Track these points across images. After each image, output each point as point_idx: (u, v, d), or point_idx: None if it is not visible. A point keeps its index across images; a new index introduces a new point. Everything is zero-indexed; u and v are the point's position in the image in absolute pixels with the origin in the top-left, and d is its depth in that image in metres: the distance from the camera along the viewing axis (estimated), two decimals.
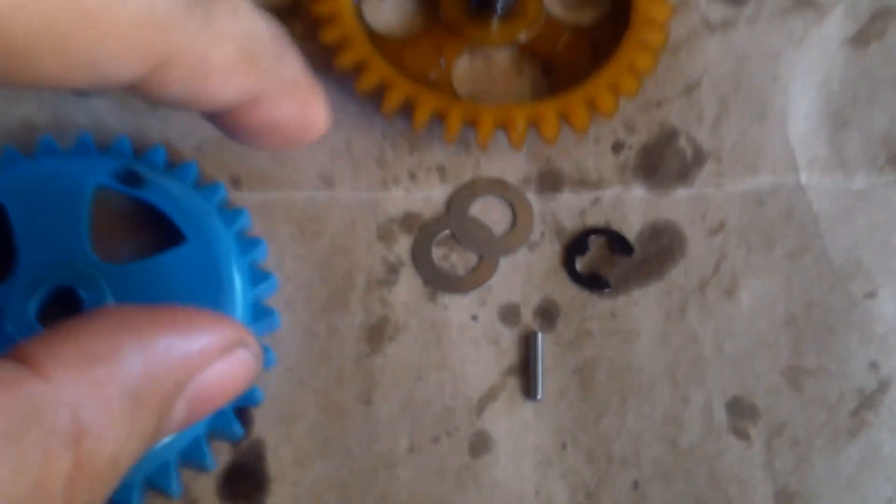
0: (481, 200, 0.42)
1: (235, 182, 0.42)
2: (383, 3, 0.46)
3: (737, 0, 0.46)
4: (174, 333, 0.27)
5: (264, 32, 0.31)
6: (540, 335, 0.40)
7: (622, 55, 0.43)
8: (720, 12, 0.46)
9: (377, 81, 0.42)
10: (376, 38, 0.44)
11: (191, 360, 0.27)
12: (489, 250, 0.41)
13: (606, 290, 0.41)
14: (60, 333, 0.25)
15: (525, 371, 0.40)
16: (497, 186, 0.42)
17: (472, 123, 0.41)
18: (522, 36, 0.45)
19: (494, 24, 0.45)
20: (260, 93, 0.31)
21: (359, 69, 0.42)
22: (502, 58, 0.45)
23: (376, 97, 0.42)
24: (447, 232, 0.42)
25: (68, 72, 0.27)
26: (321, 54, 0.42)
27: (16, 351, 0.25)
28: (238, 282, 0.38)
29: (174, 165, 0.41)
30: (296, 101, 0.33)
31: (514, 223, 0.42)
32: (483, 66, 0.45)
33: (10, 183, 0.39)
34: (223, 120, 0.32)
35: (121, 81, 0.28)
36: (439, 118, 0.41)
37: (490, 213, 0.42)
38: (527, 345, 0.40)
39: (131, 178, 0.39)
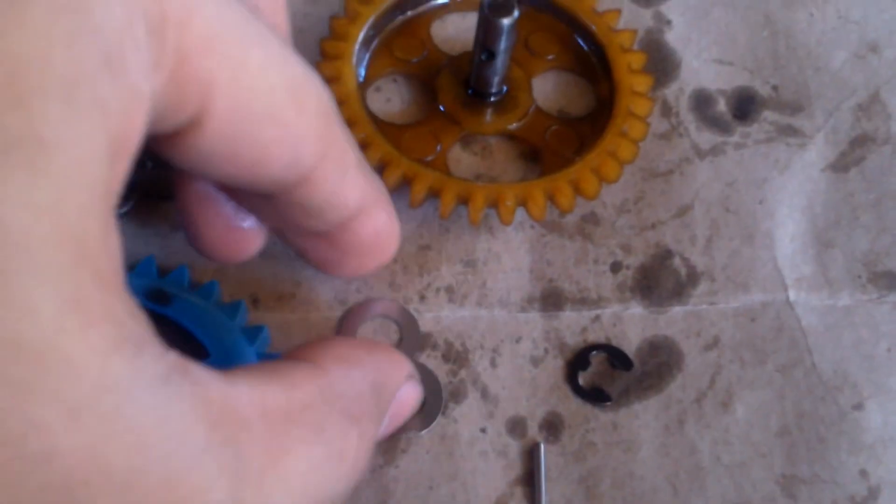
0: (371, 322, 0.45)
1: (255, 301, 0.44)
2: (384, 91, 0.49)
3: (725, 128, 0.49)
4: (389, 356, 0.35)
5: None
6: (543, 447, 0.42)
7: (605, 144, 0.46)
8: (709, 139, 0.49)
9: (377, 159, 0.45)
10: (377, 123, 0.47)
11: (399, 378, 0.35)
12: None
13: (608, 403, 0.43)
14: (321, 344, 0.32)
15: (531, 482, 0.42)
16: (388, 306, 0.45)
17: (464, 201, 0.44)
18: (513, 125, 0.49)
19: (488, 114, 0.49)
20: (370, 198, 0.35)
21: (361, 147, 0.45)
22: (494, 144, 0.48)
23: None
24: None
25: (273, 164, 0.30)
26: None
27: (301, 351, 0.32)
28: None
29: (197, 285, 0.43)
30: (387, 208, 0.36)
31: (400, 340, 0.44)
32: (476, 151, 0.49)
33: None
34: (334, 240, 0.36)
35: (301, 171, 0.31)
36: (434, 195, 0.44)
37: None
38: (531, 457, 0.42)
39: (159, 296, 0.42)
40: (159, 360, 0.24)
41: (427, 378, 0.43)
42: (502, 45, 0.45)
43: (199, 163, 0.29)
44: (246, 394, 0.27)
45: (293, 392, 0.29)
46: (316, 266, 0.38)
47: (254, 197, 0.34)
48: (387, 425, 0.35)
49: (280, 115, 0.29)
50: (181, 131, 0.27)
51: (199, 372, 0.26)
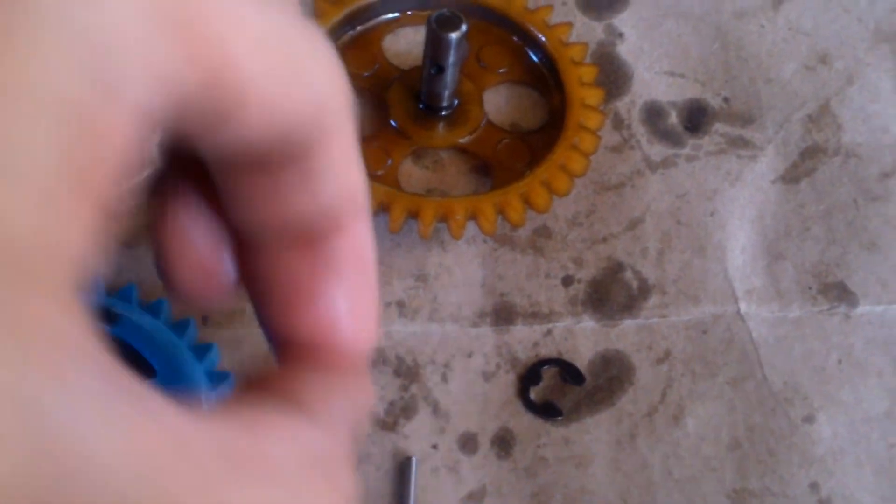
0: None
1: (204, 319, 0.43)
2: None
3: (676, 140, 0.50)
4: (364, 386, 0.29)
5: None
6: (415, 461, 0.42)
7: (556, 157, 0.46)
8: (661, 152, 0.49)
9: None
10: None
11: (367, 410, 0.30)
12: None
13: (559, 418, 0.43)
14: (298, 379, 0.27)
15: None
16: None
17: (414, 215, 0.44)
18: (464, 139, 0.49)
19: (439, 128, 0.49)
20: (362, 201, 0.32)
21: None
22: (446, 158, 0.49)
23: None
24: None
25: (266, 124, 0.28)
26: None
27: (283, 388, 0.26)
28: None
29: (146, 302, 0.43)
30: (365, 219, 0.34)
31: None
32: (428, 165, 0.49)
33: None
34: (316, 249, 0.32)
35: (320, 128, 0.29)
36: (384, 210, 0.44)
37: None
38: (401, 472, 0.42)
39: (105, 315, 0.41)
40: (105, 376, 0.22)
41: None
42: (451, 58, 0.45)
43: (236, 142, 0.27)
44: (209, 430, 0.24)
45: (265, 444, 0.24)
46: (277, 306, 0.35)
47: (252, 178, 0.32)
48: None
49: (304, 73, 0.27)
50: (219, 119, 0.26)
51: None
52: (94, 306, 0.41)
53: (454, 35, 0.44)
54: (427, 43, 0.45)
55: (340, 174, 0.31)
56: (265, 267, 0.31)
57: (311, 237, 0.31)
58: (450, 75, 0.46)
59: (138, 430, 0.22)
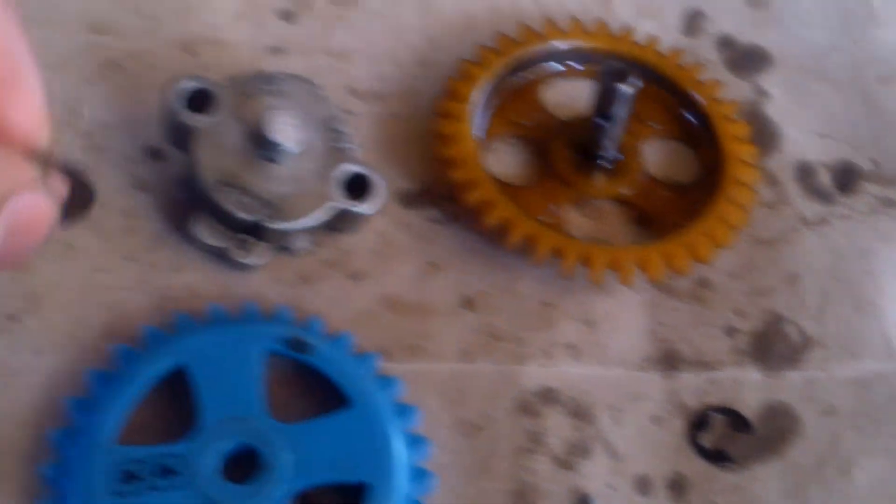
0: None
1: (386, 353, 0.45)
2: (498, 152, 0.51)
3: (828, 199, 0.51)
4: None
5: None
6: (594, 500, 0.43)
7: (716, 210, 0.48)
8: (814, 209, 0.51)
9: (501, 219, 0.46)
10: (495, 183, 0.48)
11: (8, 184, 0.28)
12: None
13: (731, 464, 0.44)
14: None
15: None
16: None
17: (585, 262, 0.46)
18: (625, 190, 0.50)
19: (600, 178, 0.50)
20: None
21: (484, 208, 0.47)
22: (606, 208, 0.50)
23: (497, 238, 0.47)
24: None
25: None
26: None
27: None
28: (398, 445, 0.41)
29: (330, 335, 0.44)
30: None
31: None
32: (588, 214, 0.50)
33: (190, 346, 0.42)
34: None
35: None
36: (556, 255, 0.46)
37: None
38: None
39: (300, 346, 0.43)
40: None
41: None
42: (620, 110, 0.47)
43: None
44: None
45: None
46: None
47: None
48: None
49: None
50: None
51: None
52: (287, 337, 0.42)
53: (626, 87, 0.46)
54: (598, 94, 0.47)
55: None
56: None
57: None
58: (616, 127, 0.48)
59: None
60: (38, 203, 0.29)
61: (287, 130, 0.43)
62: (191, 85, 0.44)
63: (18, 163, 0.29)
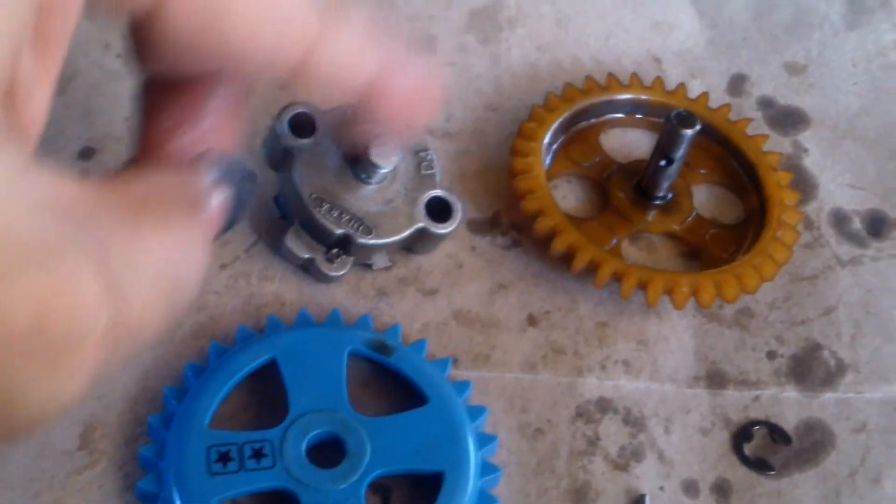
0: None
1: (456, 361, 0.49)
2: (560, 189, 0.56)
3: (861, 242, 0.56)
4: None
5: None
6: (648, 499, 0.47)
7: (763, 245, 0.53)
8: (848, 251, 0.55)
9: (568, 244, 0.51)
10: (562, 214, 0.53)
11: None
12: None
13: (771, 472, 0.48)
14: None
15: None
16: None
17: (643, 286, 0.50)
18: (676, 227, 0.55)
19: (654, 215, 0.55)
20: (390, 62, 0.33)
21: (553, 235, 0.51)
22: (657, 242, 0.55)
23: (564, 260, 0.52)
24: None
25: (249, 49, 0.29)
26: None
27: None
28: (470, 440, 0.45)
29: (408, 341, 0.49)
30: (414, 66, 0.34)
31: None
32: (642, 247, 0.55)
33: (281, 343, 0.47)
34: (366, 109, 0.33)
35: (293, 54, 0.30)
36: (616, 279, 0.50)
37: None
38: None
39: (382, 348, 0.47)
40: (21, 153, 0.23)
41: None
42: (681, 152, 0.52)
43: (171, 56, 0.28)
44: (92, 189, 0.26)
45: (131, 188, 0.28)
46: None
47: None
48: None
49: None
50: (146, 20, 0.27)
51: (50, 168, 0.25)
52: (370, 340, 0.47)
53: (689, 131, 0.51)
54: (662, 137, 0.52)
55: (349, 71, 0.31)
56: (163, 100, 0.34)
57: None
58: (675, 168, 0.53)
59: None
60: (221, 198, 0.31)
61: (389, 155, 0.48)
62: (297, 111, 0.49)
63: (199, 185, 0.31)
